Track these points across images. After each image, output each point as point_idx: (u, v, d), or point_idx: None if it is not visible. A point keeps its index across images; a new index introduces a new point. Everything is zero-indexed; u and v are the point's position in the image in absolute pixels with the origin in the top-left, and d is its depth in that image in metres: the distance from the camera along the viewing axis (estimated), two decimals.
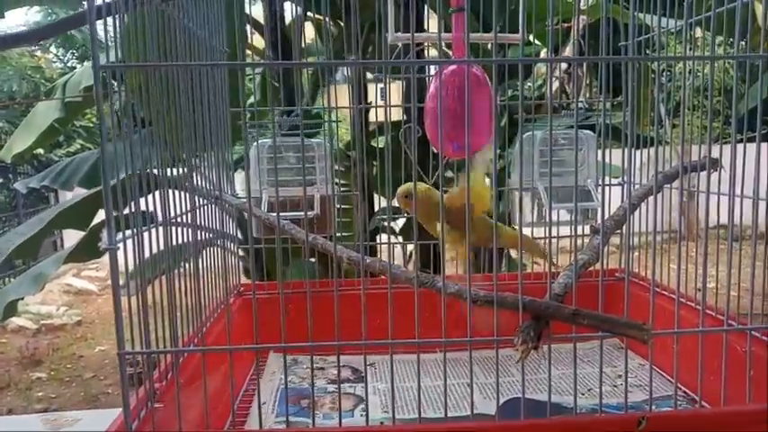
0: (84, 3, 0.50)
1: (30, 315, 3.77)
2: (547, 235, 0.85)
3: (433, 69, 0.81)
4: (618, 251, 0.92)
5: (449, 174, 1.24)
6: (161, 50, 0.56)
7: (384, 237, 1.56)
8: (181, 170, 0.63)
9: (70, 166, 2.04)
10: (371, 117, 1.66)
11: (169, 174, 0.59)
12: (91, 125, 5.56)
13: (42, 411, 2.48)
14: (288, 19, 1.80)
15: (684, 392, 0.72)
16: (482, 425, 0.59)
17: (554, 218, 0.85)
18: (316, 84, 1.80)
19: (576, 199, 0.59)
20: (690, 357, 0.58)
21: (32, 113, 2.40)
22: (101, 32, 0.49)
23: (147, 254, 0.52)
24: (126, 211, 0.49)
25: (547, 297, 0.51)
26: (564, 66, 2.28)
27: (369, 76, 1.65)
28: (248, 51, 1.14)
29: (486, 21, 1.43)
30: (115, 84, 0.50)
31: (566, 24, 1.71)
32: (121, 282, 0.48)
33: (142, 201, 0.53)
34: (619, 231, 0.67)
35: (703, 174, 0.68)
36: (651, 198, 0.62)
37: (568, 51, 1.78)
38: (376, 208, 1.74)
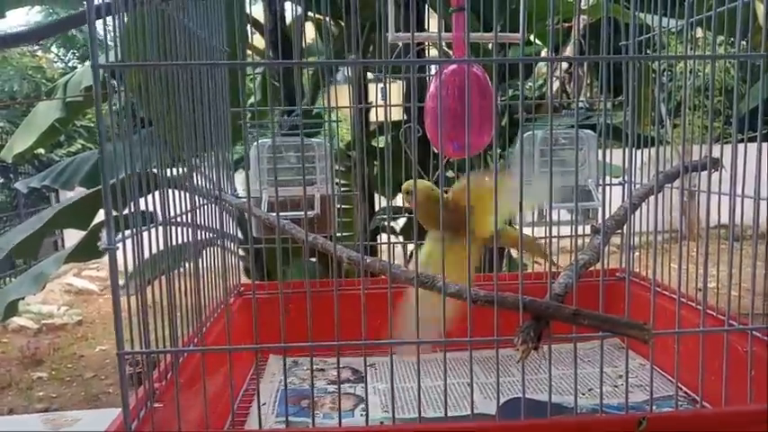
0: (85, 2, 0.50)
1: (31, 315, 3.77)
2: (547, 235, 0.85)
3: (433, 69, 0.81)
4: (618, 251, 0.92)
5: (449, 173, 1.24)
6: (161, 50, 0.56)
7: (385, 236, 1.56)
8: (181, 170, 0.63)
9: (71, 165, 2.04)
10: (372, 117, 1.66)
11: (169, 173, 0.59)
12: (92, 125, 5.55)
13: (43, 411, 2.49)
14: (288, 19, 1.80)
15: (685, 393, 0.72)
16: (482, 425, 0.58)
17: (554, 218, 0.84)
18: (316, 84, 1.80)
19: (577, 199, 0.59)
20: (691, 357, 0.58)
21: (33, 113, 2.40)
22: (100, 32, 0.49)
23: (146, 254, 0.52)
24: (126, 211, 0.49)
25: (547, 297, 0.51)
26: (565, 65, 2.27)
27: (369, 76, 1.65)
28: (249, 51, 1.14)
29: (487, 20, 1.43)
30: (115, 83, 0.50)
31: (566, 24, 1.71)
32: (121, 282, 0.48)
33: (142, 201, 0.53)
34: (619, 231, 0.67)
35: (704, 173, 0.68)
36: (652, 198, 0.62)
37: (569, 51, 1.78)
38: (376, 208, 1.73)
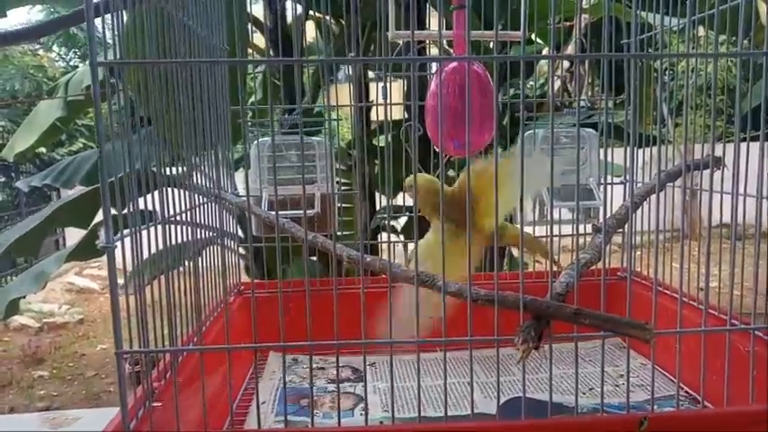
0: (84, 0, 0.50)
1: (32, 313, 3.78)
2: (549, 234, 0.85)
3: (434, 67, 0.81)
4: (620, 250, 0.92)
5: (450, 172, 1.23)
6: (160, 48, 0.56)
7: (385, 235, 1.55)
8: (180, 168, 0.63)
9: (72, 164, 2.04)
10: (373, 116, 1.66)
11: (169, 172, 0.59)
12: (93, 124, 5.56)
13: (44, 410, 2.49)
14: (289, 18, 1.79)
15: (687, 392, 0.71)
16: (482, 425, 0.58)
17: (556, 216, 0.84)
18: (317, 84, 1.80)
19: (578, 198, 0.59)
20: (692, 357, 0.58)
21: (34, 112, 2.40)
22: (100, 30, 0.49)
23: (145, 253, 0.52)
24: (125, 209, 0.49)
25: (548, 296, 0.51)
26: (566, 65, 2.27)
27: (371, 75, 1.65)
28: (249, 50, 1.14)
29: (488, 19, 1.42)
30: (114, 81, 0.49)
31: (567, 23, 1.71)
32: (121, 281, 0.48)
33: (141, 199, 0.53)
34: (621, 230, 0.66)
35: (706, 172, 0.67)
36: (653, 197, 0.62)
37: (570, 50, 1.78)
38: (377, 207, 1.73)
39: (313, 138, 0.92)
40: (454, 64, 0.68)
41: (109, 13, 0.49)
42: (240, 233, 1.58)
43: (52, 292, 4.26)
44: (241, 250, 1.51)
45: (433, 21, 1.45)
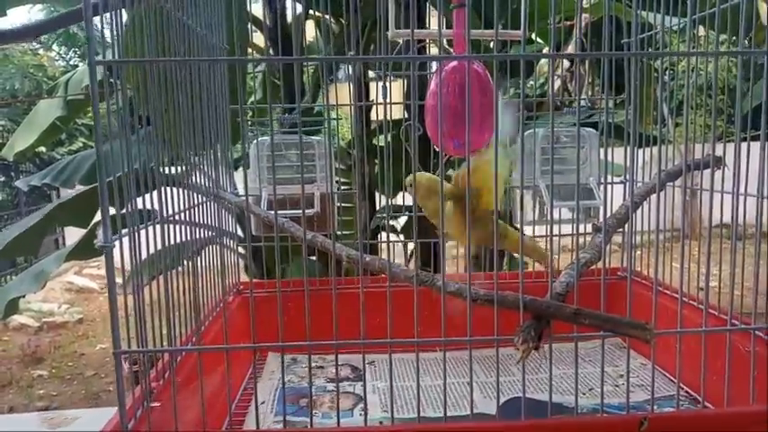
0: None
1: (31, 313, 3.78)
2: (548, 233, 0.85)
3: (434, 66, 0.80)
4: (620, 250, 0.91)
5: (450, 172, 1.23)
6: (159, 47, 0.56)
7: (385, 235, 1.55)
8: (179, 168, 0.62)
9: (72, 164, 2.04)
10: (372, 115, 1.65)
11: (168, 171, 0.59)
12: (93, 123, 5.56)
13: (43, 409, 2.49)
14: (289, 17, 1.79)
15: (687, 392, 0.71)
16: (482, 425, 0.58)
17: (556, 216, 0.84)
18: (317, 83, 1.80)
19: (578, 197, 0.59)
20: (692, 357, 0.58)
21: (34, 111, 2.40)
22: (100, 29, 0.49)
23: (144, 252, 0.52)
24: (123, 209, 0.48)
25: (548, 296, 0.51)
26: (566, 64, 2.27)
27: (371, 74, 1.65)
28: (249, 49, 1.14)
29: (488, 19, 1.42)
30: (113, 80, 0.49)
31: (568, 22, 1.70)
32: (119, 280, 0.47)
33: (140, 198, 0.53)
34: (621, 230, 0.66)
35: (706, 172, 0.67)
36: (654, 196, 0.61)
37: (570, 49, 1.77)
38: (377, 206, 1.73)
39: (313, 137, 0.92)
40: (454, 63, 0.67)
41: (108, 12, 0.49)
42: (239, 233, 1.58)
43: (52, 292, 4.26)
44: (240, 250, 1.51)
45: (433, 20, 1.45)
